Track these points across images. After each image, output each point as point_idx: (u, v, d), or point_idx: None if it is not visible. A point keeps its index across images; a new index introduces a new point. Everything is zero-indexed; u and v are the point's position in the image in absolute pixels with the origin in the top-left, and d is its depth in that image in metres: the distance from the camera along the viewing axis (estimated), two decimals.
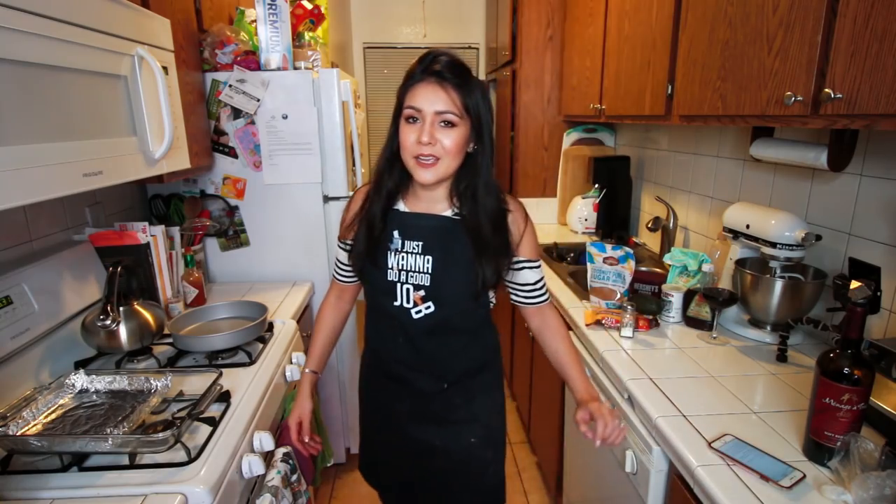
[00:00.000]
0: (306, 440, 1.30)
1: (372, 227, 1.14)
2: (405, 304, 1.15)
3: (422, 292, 1.13)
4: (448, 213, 1.14)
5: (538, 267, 1.20)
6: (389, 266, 1.14)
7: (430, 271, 1.12)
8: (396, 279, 1.14)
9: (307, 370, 1.33)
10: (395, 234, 1.14)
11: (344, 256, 1.25)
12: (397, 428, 1.28)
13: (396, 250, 1.14)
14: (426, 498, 1.31)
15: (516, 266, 1.17)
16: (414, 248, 1.13)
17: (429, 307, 1.14)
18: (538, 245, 1.21)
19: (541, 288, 1.22)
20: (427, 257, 1.12)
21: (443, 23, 4.26)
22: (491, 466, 1.28)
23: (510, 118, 3.09)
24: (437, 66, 1.04)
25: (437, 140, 1.03)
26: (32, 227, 1.48)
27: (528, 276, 1.19)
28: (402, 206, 1.17)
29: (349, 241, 1.20)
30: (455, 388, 1.23)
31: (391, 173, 1.14)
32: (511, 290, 1.24)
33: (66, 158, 0.98)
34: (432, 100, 1.03)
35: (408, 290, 1.14)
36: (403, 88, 1.07)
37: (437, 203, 1.15)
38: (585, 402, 1.13)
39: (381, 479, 1.38)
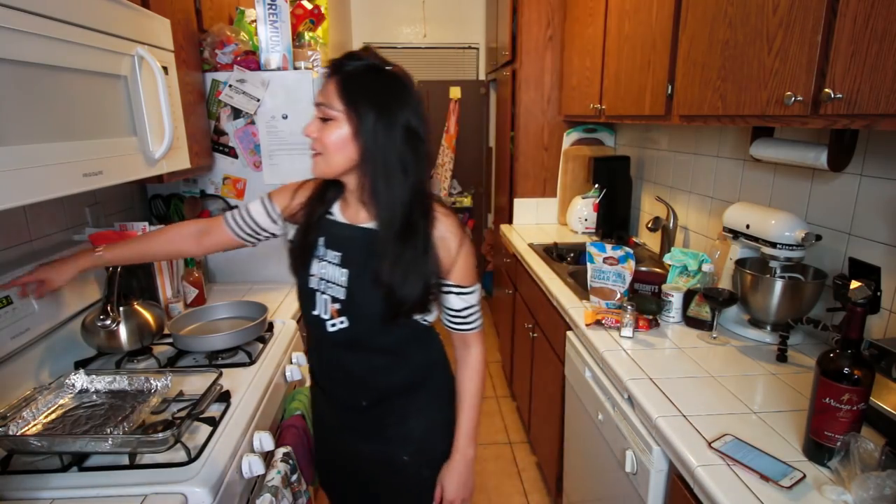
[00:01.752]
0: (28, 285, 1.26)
1: (307, 227, 1.11)
2: (322, 315, 1.10)
3: (337, 305, 1.08)
4: (370, 224, 1.06)
5: (468, 294, 1.11)
6: (312, 273, 1.10)
7: (345, 285, 1.07)
8: (317, 287, 1.10)
9: (100, 250, 1.26)
10: (321, 241, 1.10)
11: (259, 214, 1.19)
12: (332, 435, 1.28)
13: (319, 258, 1.10)
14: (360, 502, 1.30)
15: (443, 288, 1.10)
16: (334, 259, 1.08)
17: (343, 322, 1.09)
18: (473, 271, 1.11)
19: (466, 316, 1.13)
20: (344, 270, 1.07)
21: (443, 23, 4.26)
22: (428, 482, 1.21)
23: (510, 118, 3.09)
24: (336, 59, 1.00)
25: (318, 134, 0.99)
26: (32, 227, 1.48)
27: (452, 301, 1.11)
28: (336, 213, 1.11)
29: (284, 217, 1.18)
30: (381, 407, 1.17)
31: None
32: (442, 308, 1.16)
33: (66, 158, 0.98)
34: (320, 92, 1.00)
35: (326, 300, 1.09)
36: None
37: (360, 210, 1.07)
38: (453, 453, 1.18)
39: (330, 485, 1.37)
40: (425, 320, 1.15)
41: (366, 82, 0.98)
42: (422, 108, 1.02)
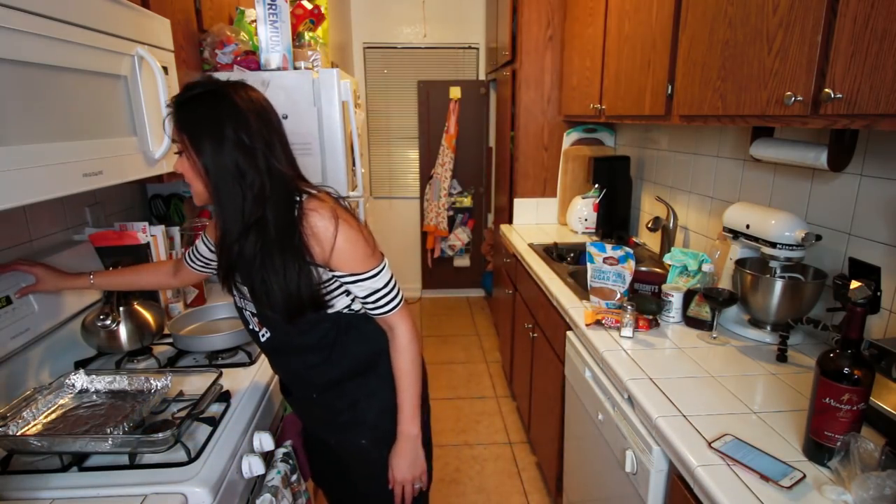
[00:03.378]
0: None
1: (220, 256, 1.14)
2: (255, 329, 1.19)
3: (257, 318, 1.16)
4: None
5: (365, 279, 1.09)
6: (234, 293, 1.18)
7: (252, 299, 1.12)
8: (241, 306, 1.18)
9: (91, 274, 1.37)
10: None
11: (203, 248, 1.34)
12: (304, 428, 1.41)
13: (233, 280, 1.14)
14: (345, 494, 1.38)
15: (341, 279, 1.10)
16: (238, 279, 1.12)
17: (266, 331, 1.17)
18: (362, 256, 1.08)
19: (375, 301, 1.12)
20: (245, 287, 1.11)
21: (443, 23, 4.27)
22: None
23: (510, 118, 3.09)
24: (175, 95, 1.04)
25: (180, 168, 1.04)
26: (32, 227, 1.48)
27: (353, 289, 1.11)
28: None
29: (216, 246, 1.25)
30: (331, 394, 1.22)
31: None
32: None
33: (66, 158, 0.98)
34: None
35: (249, 315, 1.18)
36: None
37: None
38: (398, 435, 1.20)
39: (320, 479, 1.46)
40: (351, 309, 1.17)
41: (194, 109, 1.01)
42: (253, 116, 1.02)
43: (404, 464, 1.21)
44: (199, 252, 1.35)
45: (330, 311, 1.14)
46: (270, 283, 1.04)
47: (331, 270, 1.09)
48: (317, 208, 1.05)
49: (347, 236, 1.06)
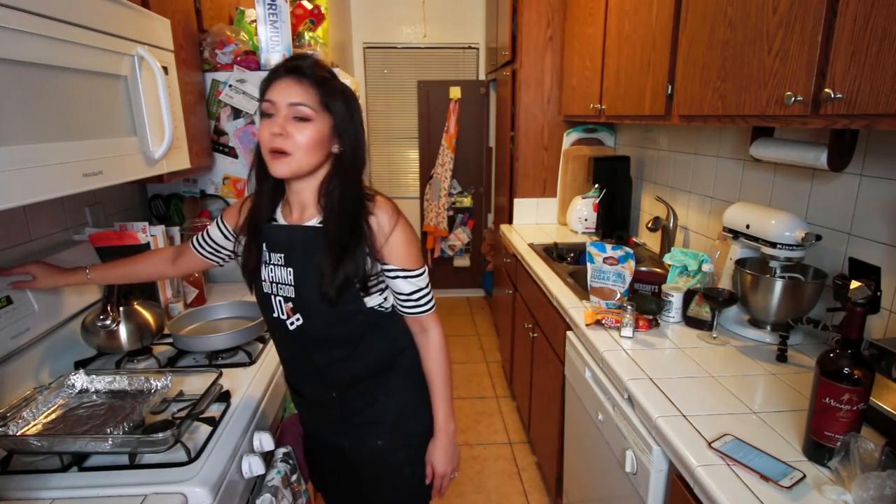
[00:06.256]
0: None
1: (250, 240, 1.16)
2: (281, 316, 1.16)
3: (290, 304, 1.13)
4: (314, 221, 1.11)
5: (415, 277, 1.13)
6: (264, 278, 1.15)
7: (293, 283, 1.11)
8: (270, 291, 1.15)
9: (87, 269, 1.34)
10: (264, 246, 1.14)
11: (216, 234, 1.30)
12: (310, 431, 1.36)
13: (266, 262, 1.14)
14: (351, 499, 1.35)
15: (389, 274, 1.12)
16: (278, 261, 1.12)
17: (298, 319, 1.14)
18: (416, 254, 1.13)
19: (418, 299, 1.15)
20: (289, 269, 1.11)
21: (443, 23, 4.27)
22: (406, 467, 1.25)
23: (510, 118, 3.09)
24: (297, 62, 1.03)
25: (289, 134, 1.01)
26: (32, 227, 1.48)
27: (400, 285, 1.13)
28: (279, 218, 1.15)
29: (237, 234, 1.23)
30: (350, 393, 1.20)
31: (265, 183, 1.14)
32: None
33: (66, 158, 0.98)
34: (287, 92, 1.01)
35: (280, 301, 1.15)
36: (264, 84, 1.05)
37: (306, 209, 1.12)
38: (437, 433, 1.23)
39: (322, 486, 1.43)
40: (382, 307, 1.18)
41: (334, 84, 1.06)
42: (357, 106, 1.12)
43: (445, 457, 1.23)
44: (210, 237, 1.30)
45: (367, 304, 1.14)
46: (328, 264, 1.06)
47: (383, 263, 1.12)
48: (382, 204, 1.11)
49: (405, 234, 1.12)
